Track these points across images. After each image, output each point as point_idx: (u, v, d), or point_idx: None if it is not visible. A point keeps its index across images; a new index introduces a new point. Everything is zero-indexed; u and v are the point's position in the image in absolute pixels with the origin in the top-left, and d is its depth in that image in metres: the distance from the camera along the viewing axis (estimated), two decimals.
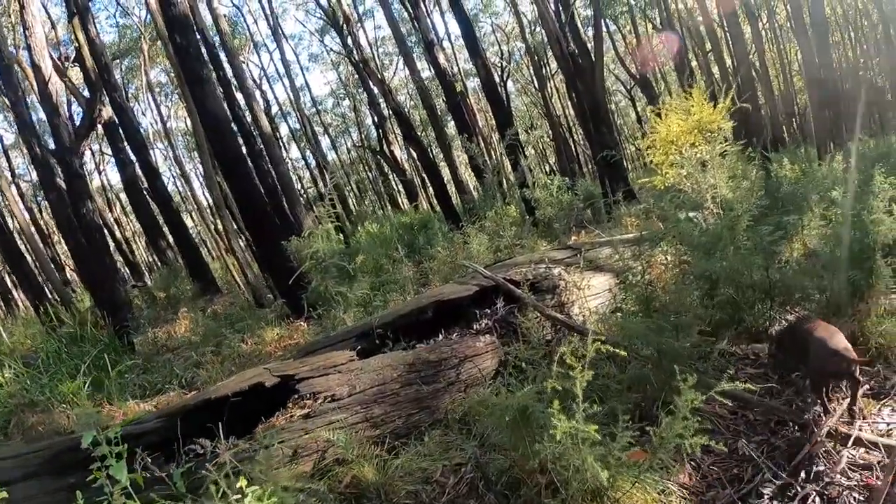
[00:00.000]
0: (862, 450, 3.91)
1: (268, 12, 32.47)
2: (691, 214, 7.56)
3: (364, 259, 13.42)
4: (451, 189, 24.20)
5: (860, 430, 4.07)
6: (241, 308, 14.69)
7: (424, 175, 29.20)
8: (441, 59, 20.95)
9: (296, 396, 4.90)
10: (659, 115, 10.04)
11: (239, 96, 20.14)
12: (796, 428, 4.25)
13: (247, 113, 20.49)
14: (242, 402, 4.74)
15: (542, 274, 7.04)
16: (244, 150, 14.59)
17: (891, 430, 4.12)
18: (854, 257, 5.28)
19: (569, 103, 37.89)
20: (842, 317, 5.24)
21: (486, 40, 44.05)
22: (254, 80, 37.65)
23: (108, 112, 21.38)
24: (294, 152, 49.04)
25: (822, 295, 5.60)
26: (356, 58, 27.29)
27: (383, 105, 31.04)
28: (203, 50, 13.58)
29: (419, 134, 27.53)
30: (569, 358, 3.34)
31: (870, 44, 33.07)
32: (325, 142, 48.15)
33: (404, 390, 5.22)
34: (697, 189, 8.21)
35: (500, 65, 41.15)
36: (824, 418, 4.14)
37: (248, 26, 37.22)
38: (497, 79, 38.79)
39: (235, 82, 20.74)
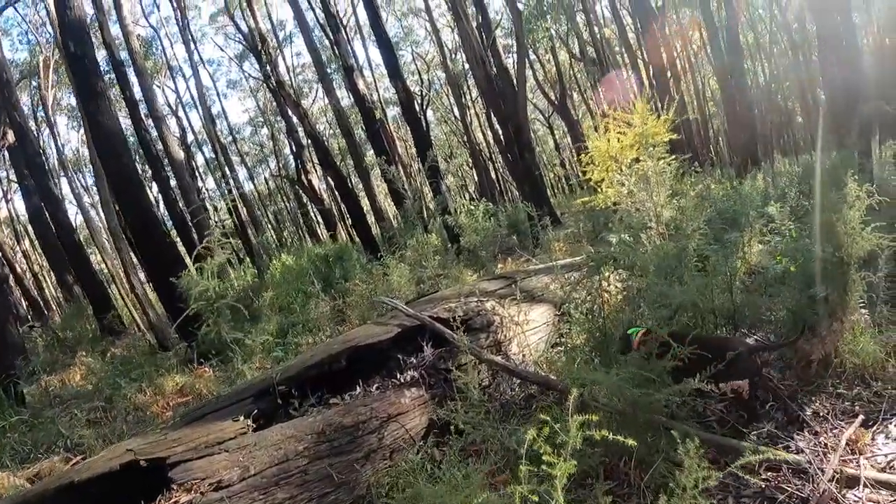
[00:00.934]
0: (867, 490, 3.36)
1: (186, 35, 31.42)
2: (631, 237, 6.97)
3: (274, 296, 12.42)
4: (371, 218, 23.39)
5: (864, 467, 3.54)
6: (142, 352, 13.22)
7: (342, 204, 28.28)
8: (360, 84, 20.28)
9: (173, 486, 3.69)
10: (597, 129, 9.21)
11: (149, 121, 18.98)
12: (792, 473, 3.59)
13: (158, 139, 19.39)
14: (117, 482, 3.71)
15: (473, 309, 6.16)
16: (150, 175, 13.52)
17: (892, 462, 3.64)
18: (826, 273, 4.68)
19: (489, 130, 37.61)
20: (814, 337, 4.71)
21: (407, 69, 43.51)
22: (170, 106, 36.31)
23: (12, 136, 19.99)
24: (210, 182, 47.37)
25: (790, 315, 4.98)
26: (273, 83, 26.42)
27: (301, 133, 30.12)
28: (108, 66, 12.54)
29: (338, 162, 26.72)
30: (545, 453, 2.58)
31: (780, 69, 33.82)
32: (243, 171, 46.76)
33: (314, 466, 4.10)
34: (641, 208, 7.50)
35: (420, 93, 40.65)
36: (822, 459, 3.58)
37: (163, 49, 35.43)
38: (417, 107, 38.44)
39: (146, 106, 19.64)
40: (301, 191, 34.87)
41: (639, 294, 5.26)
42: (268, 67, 24.71)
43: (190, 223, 17.49)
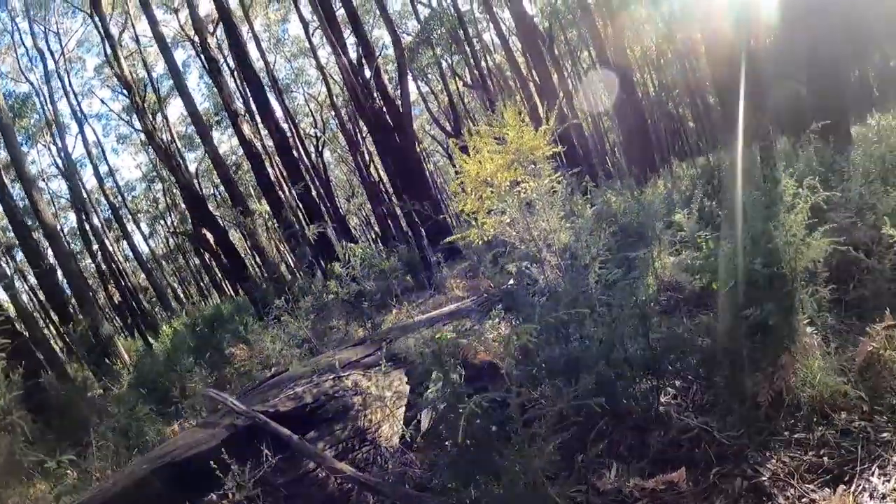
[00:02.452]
0: None
1: (68, 90, 29.59)
2: (525, 269, 5.75)
3: (133, 378, 10.80)
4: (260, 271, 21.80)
5: None
6: None
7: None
8: (246, 129, 18.84)
9: None
10: (465, 149, 7.55)
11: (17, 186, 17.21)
12: None
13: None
14: None
15: (327, 391, 4.84)
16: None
17: None
18: (765, 292, 3.57)
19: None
20: (757, 372, 3.73)
21: (301, 111, 42.11)
22: (59, 167, 33.80)
23: None
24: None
25: (725, 349, 3.87)
26: (144, 135, 24.77)
27: (198, 185, 28.54)
28: None
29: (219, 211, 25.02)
30: None
31: (668, 78, 34.03)
32: (143, 229, 44.43)
33: None
34: (528, 237, 6.16)
35: (314, 134, 39.23)
36: None
37: (42, 106, 32.60)
38: (313, 148, 37.16)
39: (14, 169, 17.83)
40: (199, 246, 32.89)
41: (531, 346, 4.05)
42: (147, 119, 23.00)
43: (69, 294, 15.73)
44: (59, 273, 17.09)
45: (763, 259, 3.56)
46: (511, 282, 6.15)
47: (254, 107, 20.50)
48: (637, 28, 32.62)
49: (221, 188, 32.92)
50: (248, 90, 18.03)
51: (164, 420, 8.61)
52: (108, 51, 23.94)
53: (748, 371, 3.70)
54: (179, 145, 31.59)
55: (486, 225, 6.93)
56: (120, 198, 38.62)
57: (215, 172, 25.59)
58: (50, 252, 18.48)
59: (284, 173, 18.21)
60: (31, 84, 30.97)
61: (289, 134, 36.68)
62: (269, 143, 24.34)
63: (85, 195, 38.01)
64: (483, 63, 31.72)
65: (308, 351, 8.97)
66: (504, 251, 6.28)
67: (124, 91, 29.46)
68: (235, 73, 26.36)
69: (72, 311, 16.14)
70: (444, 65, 36.44)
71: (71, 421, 9.03)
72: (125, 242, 32.88)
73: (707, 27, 15.91)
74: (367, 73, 19.36)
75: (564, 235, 5.85)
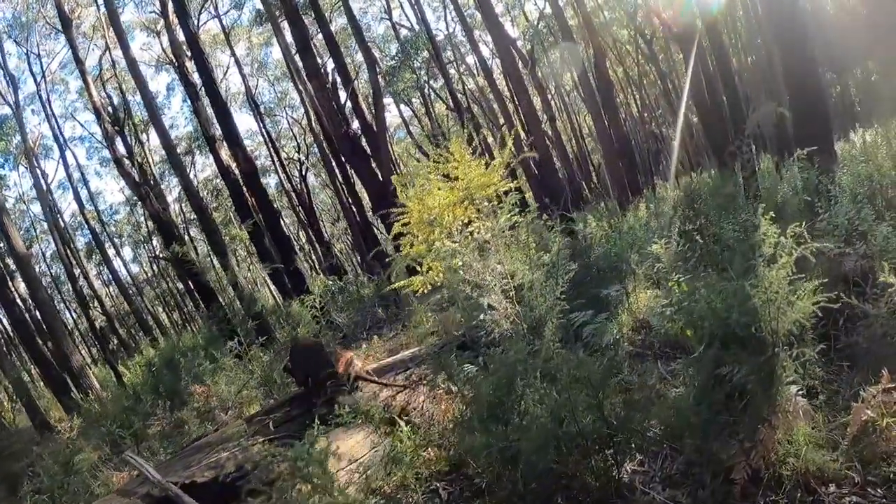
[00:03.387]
0: None
1: (48, 112, 28.95)
2: (481, 317, 5.15)
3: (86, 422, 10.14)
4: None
5: None
6: None
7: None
8: (223, 154, 18.19)
9: None
10: (408, 185, 6.87)
11: None
12: None
13: None
14: None
15: (254, 457, 4.22)
16: None
17: None
18: (743, 354, 3.01)
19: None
20: (733, 442, 3.19)
21: (284, 135, 41.45)
22: (39, 189, 32.85)
23: None
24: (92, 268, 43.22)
25: (696, 419, 3.30)
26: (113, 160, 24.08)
27: (177, 209, 27.88)
28: None
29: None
30: None
31: (651, 99, 33.76)
32: (126, 253, 43.45)
33: None
34: (481, 282, 5.44)
35: (298, 159, 38.61)
36: None
37: (22, 130, 31.47)
38: (297, 172, 36.59)
39: None
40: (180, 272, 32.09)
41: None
42: (116, 146, 22.27)
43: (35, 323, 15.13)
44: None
45: (740, 317, 3.01)
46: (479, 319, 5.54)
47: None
48: (619, 48, 32.36)
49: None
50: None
51: (114, 466, 8.05)
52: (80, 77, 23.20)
53: (723, 439, 3.16)
54: (156, 171, 30.80)
55: (432, 271, 6.28)
56: (100, 223, 37.56)
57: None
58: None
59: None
60: (10, 106, 30.13)
61: (271, 159, 36.28)
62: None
63: (66, 219, 37.43)
64: (466, 86, 31.37)
65: (264, 394, 8.40)
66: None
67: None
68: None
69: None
70: (427, 89, 35.96)
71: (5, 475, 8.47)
72: (105, 267, 32.10)
73: (687, 47, 15.82)
74: (343, 98, 18.89)
75: (530, 273, 5.24)
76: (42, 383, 18.42)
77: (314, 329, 10.92)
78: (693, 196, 10.67)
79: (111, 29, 27.04)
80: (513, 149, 6.45)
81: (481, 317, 5.28)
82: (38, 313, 16.10)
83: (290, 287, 16.53)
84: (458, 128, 39.99)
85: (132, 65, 17.27)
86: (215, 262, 18.09)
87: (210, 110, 18.31)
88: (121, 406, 10.84)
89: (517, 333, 4.59)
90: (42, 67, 29.78)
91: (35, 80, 29.30)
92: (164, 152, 26.31)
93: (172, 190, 35.17)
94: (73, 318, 40.18)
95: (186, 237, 26.03)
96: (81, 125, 44.49)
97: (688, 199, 10.86)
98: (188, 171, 39.43)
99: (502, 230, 5.31)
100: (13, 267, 20.03)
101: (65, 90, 31.90)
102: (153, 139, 32.74)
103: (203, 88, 17.18)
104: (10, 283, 15.61)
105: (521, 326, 4.79)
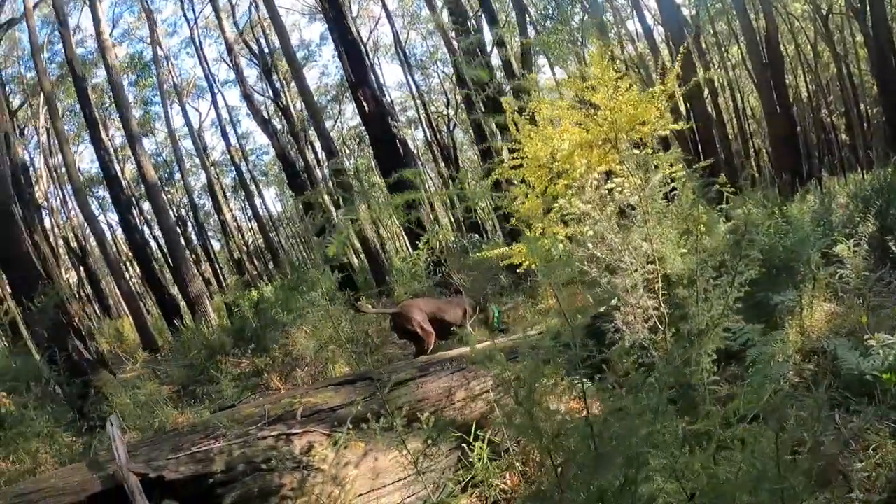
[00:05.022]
0: None
1: (200, 57, 29.26)
2: (613, 302, 3.81)
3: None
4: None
5: None
6: None
7: None
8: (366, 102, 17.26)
9: None
10: (521, 112, 5.01)
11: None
12: None
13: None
14: None
15: (255, 456, 3.15)
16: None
17: None
18: None
19: None
20: None
21: (436, 90, 40.42)
22: (189, 126, 33.49)
23: None
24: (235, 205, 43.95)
25: None
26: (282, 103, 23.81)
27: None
28: None
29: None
30: None
31: (823, 82, 30.73)
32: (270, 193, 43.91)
33: None
34: (618, 263, 3.76)
35: (446, 114, 37.69)
36: None
37: (168, 71, 32.30)
38: (444, 128, 35.93)
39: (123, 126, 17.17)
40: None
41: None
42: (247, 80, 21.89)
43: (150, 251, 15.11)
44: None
45: None
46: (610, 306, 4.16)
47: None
48: (791, 25, 29.51)
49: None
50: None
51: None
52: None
53: None
54: (304, 115, 30.45)
55: (552, 235, 4.67)
56: (245, 161, 37.91)
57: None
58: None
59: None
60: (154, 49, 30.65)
61: (417, 112, 35.58)
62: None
63: (217, 157, 38.15)
64: (625, 51, 29.38)
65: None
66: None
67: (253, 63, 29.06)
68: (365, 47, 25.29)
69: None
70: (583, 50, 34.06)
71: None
72: (246, 203, 32.41)
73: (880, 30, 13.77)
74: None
75: (684, 260, 3.74)
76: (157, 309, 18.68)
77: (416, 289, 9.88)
78: (883, 189, 8.81)
79: None
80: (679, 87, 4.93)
81: (613, 302, 3.97)
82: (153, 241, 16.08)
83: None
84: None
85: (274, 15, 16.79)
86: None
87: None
88: (211, 340, 10.10)
89: (660, 350, 3.27)
90: (195, 14, 29.92)
91: (189, 24, 29.44)
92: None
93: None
94: (217, 246, 40.96)
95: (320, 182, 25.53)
96: (229, 66, 44.97)
97: (874, 192, 9.03)
98: (337, 118, 39.41)
99: (655, 193, 3.77)
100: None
101: (219, 36, 32.11)
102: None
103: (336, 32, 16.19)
104: (133, 209, 15.59)
105: (666, 338, 3.45)
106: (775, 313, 4.63)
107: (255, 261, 34.89)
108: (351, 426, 3.38)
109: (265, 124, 18.06)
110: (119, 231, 27.98)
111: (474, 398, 4.09)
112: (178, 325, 13.66)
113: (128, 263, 30.19)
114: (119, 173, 16.30)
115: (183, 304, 16.09)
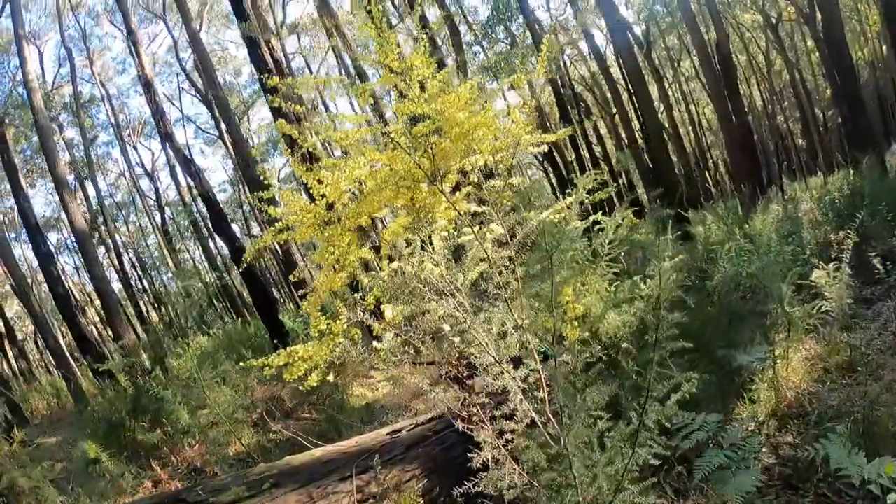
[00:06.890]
0: None
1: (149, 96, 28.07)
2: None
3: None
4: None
5: None
6: None
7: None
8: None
9: None
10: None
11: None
12: None
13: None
14: None
15: None
16: None
17: None
18: None
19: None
20: None
21: None
22: (143, 168, 32.09)
23: None
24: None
25: None
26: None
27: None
28: None
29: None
30: None
31: (776, 89, 30.48)
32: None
33: None
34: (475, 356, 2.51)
35: None
36: None
37: (110, 110, 30.69)
38: None
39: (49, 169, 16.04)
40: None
41: None
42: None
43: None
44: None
45: None
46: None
47: None
48: (741, 33, 29.16)
49: None
50: None
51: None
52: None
53: None
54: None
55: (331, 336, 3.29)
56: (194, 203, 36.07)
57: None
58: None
59: None
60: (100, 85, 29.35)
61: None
62: None
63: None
64: (573, 73, 28.61)
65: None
66: None
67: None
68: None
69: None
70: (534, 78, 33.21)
71: None
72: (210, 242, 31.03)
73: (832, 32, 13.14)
74: None
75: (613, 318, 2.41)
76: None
77: None
78: (854, 195, 7.77)
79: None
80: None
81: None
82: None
83: None
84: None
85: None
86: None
87: None
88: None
89: None
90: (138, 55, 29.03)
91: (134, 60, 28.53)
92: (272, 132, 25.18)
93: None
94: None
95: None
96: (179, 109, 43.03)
97: (844, 199, 8.01)
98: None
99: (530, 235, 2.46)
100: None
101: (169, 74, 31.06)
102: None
103: None
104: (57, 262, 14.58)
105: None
106: (742, 371, 3.50)
107: (215, 301, 33.32)
108: None
109: (186, 164, 16.75)
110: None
111: None
112: (102, 385, 11.93)
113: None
114: (37, 223, 15.12)
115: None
